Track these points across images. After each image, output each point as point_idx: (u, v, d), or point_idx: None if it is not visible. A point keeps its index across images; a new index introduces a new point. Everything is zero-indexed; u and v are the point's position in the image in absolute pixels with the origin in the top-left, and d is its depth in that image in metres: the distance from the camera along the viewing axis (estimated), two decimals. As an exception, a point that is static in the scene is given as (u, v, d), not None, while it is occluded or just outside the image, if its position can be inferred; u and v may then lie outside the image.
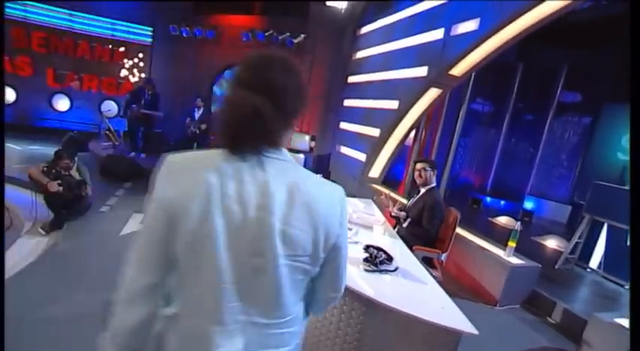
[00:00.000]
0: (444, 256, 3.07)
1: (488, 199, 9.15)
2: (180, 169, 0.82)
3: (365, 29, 7.70)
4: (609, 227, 5.08)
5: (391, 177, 8.11)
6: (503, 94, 9.38)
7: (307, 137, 7.92)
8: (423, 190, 3.21)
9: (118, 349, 0.85)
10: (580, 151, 9.17)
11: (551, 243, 6.15)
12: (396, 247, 2.61)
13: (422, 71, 5.74)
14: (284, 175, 0.86)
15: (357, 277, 1.94)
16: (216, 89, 9.00)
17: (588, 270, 5.16)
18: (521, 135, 9.95)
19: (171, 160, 0.84)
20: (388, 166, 6.98)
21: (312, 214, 0.85)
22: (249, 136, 0.80)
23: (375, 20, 7.35)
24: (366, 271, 2.08)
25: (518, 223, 4.10)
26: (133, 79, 8.93)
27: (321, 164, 7.96)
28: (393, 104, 6.39)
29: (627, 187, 4.89)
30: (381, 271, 2.09)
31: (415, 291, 2.01)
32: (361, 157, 7.07)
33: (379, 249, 2.21)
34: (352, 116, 7.57)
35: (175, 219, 0.80)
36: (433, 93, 5.80)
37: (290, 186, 0.85)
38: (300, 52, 8.03)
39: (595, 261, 5.20)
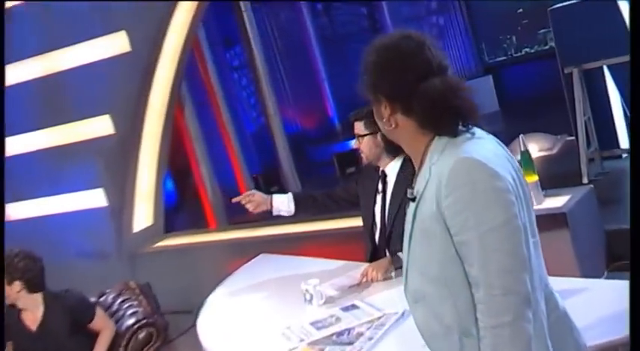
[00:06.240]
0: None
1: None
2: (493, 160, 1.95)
3: None
4: (610, 69, 6.61)
5: (171, 203, 9.09)
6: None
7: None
8: (389, 173, 3.72)
9: None
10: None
11: (535, 149, 7.46)
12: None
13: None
14: None
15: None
16: None
17: (625, 155, 6.62)
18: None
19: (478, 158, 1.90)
20: (161, 185, 7.75)
21: None
22: None
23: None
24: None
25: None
26: None
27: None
28: (116, 46, 6.86)
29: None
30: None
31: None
32: (91, 199, 7.46)
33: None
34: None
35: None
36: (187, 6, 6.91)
37: None
38: None
39: (623, 135, 6.66)
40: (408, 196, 2.08)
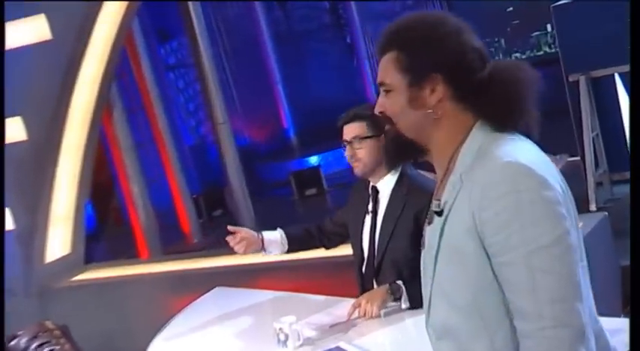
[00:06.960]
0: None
1: (315, 159, 11.60)
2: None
3: None
4: (622, 77, 6.77)
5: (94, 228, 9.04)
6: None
7: None
8: (382, 190, 3.75)
9: None
10: None
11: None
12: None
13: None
14: None
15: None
16: None
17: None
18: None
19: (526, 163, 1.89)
20: (83, 205, 8.31)
21: None
22: None
23: None
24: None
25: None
26: None
27: None
28: (33, 32, 7.21)
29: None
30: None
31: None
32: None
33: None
34: None
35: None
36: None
37: None
38: None
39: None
40: (433, 208, 2.03)
